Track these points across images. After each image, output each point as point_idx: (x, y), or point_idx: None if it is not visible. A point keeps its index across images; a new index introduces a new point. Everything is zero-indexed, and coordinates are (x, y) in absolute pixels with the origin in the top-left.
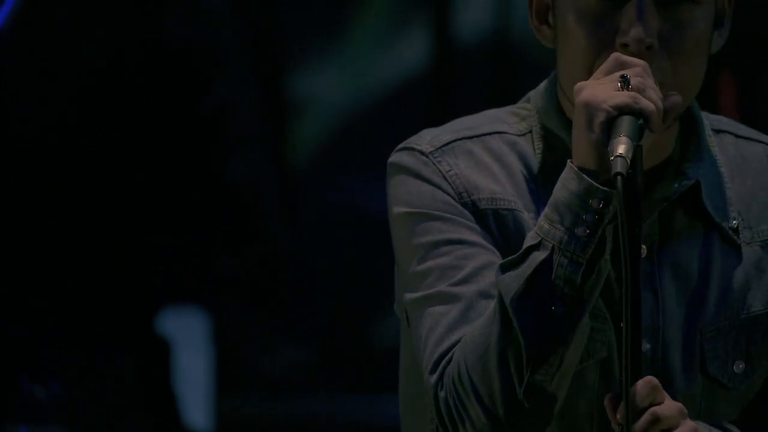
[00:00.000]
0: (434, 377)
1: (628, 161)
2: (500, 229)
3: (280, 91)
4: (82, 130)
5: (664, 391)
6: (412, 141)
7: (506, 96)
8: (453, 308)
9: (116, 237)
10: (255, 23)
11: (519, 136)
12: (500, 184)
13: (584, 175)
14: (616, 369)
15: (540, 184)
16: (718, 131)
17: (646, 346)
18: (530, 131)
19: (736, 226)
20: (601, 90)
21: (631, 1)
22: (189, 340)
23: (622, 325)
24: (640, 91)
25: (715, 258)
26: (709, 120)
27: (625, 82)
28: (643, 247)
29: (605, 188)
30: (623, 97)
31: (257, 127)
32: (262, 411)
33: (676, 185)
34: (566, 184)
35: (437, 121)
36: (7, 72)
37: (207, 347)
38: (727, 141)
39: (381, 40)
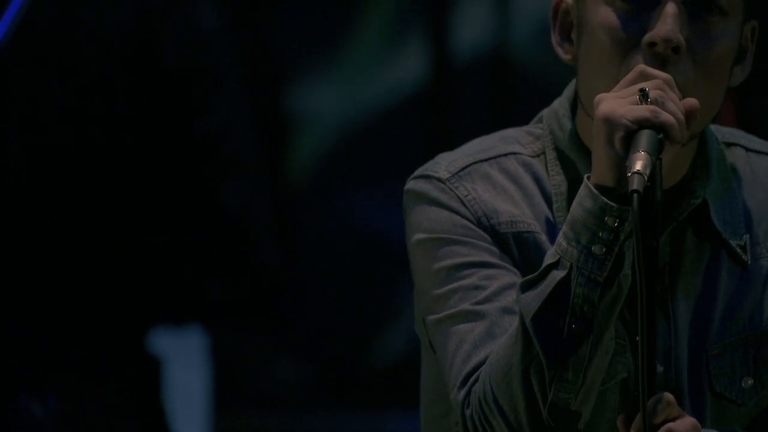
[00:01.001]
0: (461, 395)
1: (646, 177)
2: (521, 251)
3: (278, 110)
4: (75, 150)
5: (678, 407)
6: (429, 168)
7: (505, 112)
8: (478, 325)
9: (111, 254)
10: (251, 42)
11: (533, 157)
12: (518, 207)
13: (599, 194)
14: (633, 387)
15: (554, 205)
16: (729, 144)
17: (659, 368)
18: (543, 152)
19: (744, 242)
20: (620, 104)
21: (660, 4)
22: (185, 356)
23: (637, 338)
24: (659, 104)
25: (722, 276)
26: (720, 133)
27: (644, 95)
28: None
29: (620, 206)
30: (642, 111)
31: (254, 146)
32: (260, 428)
33: (684, 204)
34: (582, 201)
35: (435, 138)
36: (0, 92)
37: (203, 364)
38: (737, 154)
39: (379, 57)
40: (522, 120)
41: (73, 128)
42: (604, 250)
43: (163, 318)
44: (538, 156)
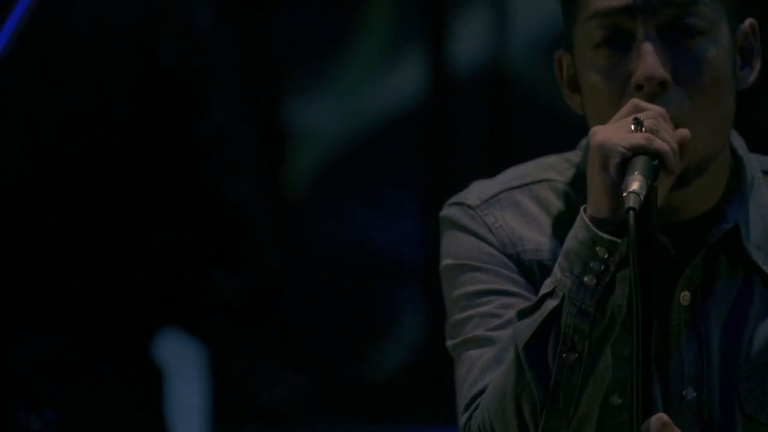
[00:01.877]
0: (464, 419)
1: (641, 197)
2: (545, 279)
3: (276, 118)
4: (73, 154)
5: (676, 428)
6: (462, 195)
7: (503, 126)
8: (487, 351)
9: (110, 264)
10: (250, 49)
11: (567, 184)
12: (545, 235)
13: (591, 225)
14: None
15: None
16: (766, 172)
17: (692, 394)
18: (578, 180)
19: None
20: (614, 132)
21: (636, 43)
22: (184, 368)
23: (633, 359)
24: (653, 132)
25: (755, 301)
26: (761, 162)
27: (638, 123)
28: (686, 293)
29: (612, 237)
30: (637, 138)
31: (252, 153)
32: None
33: (715, 230)
34: (576, 233)
35: (433, 152)
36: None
37: (202, 376)
38: None
39: (377, 70)
40: (518, 133)
41: (72, 129)
42: (595, 280)
43: (162, 327)
44: (572, 183)
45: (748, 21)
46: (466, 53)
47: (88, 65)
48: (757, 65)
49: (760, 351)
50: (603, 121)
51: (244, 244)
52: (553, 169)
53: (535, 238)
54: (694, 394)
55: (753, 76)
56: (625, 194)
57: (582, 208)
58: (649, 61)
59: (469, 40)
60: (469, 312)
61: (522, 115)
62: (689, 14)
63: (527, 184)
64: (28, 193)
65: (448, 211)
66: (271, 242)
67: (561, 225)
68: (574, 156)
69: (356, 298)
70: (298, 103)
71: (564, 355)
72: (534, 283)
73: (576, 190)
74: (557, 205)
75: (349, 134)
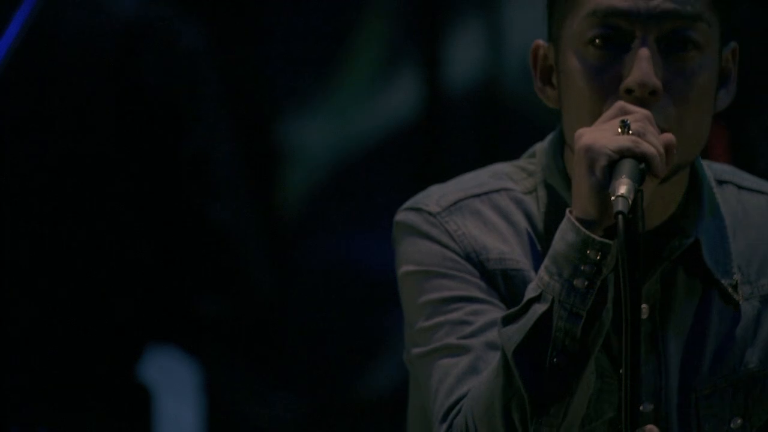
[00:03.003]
0: (443, 429)
1: (630, 201)
2: (509, 288)
3: (269, 138)
4: (57, 175)
5: None
6: (420, 200)
7: (495, 146)
8: (462, 360)
9: (100, 284)
10: (242, 68)
11: (525, 194)
12: (508, 244)
13: (581, 227)
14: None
15: (544, 244)
16: (720, 182)
17: (648, 407)
18: (535, 189)
19: (735, 282)
20: (601, 135)
21: (633, 47)
22: (176, 388)
23: (621, 371)
24: (640, 135)
25: (713, 316)
26: (712, 170)
27: (625, 126)
28: (645, 306)
29: (603, 239)
30: (624, 141)
31: (241, 173)
32: None
33: (676, 243)
34: (564, 235)
35: (426, 171)
36: None
37: (195, 396)
38: (729, 192)
39: (371, 89)
40: (512, 154)
41: (55, 150)
42: (586, 283)
43: (154, 343)
44: (530, 193)
45: (732, 45)
46: (459, 73)
47: (71, 85)
48: (733, 90)
49: (721, 370)
50: (582, 118)
51: (231, 265)
52: (510, 178)
53: (498, 246)
54: (651, 407)
55: (729, 100)
56: (613, 198)
57: (567, 210)
58: (644, 67)
59: (463, 60)
60: (438, 319)
61: (515, 134)
62: (689, 28)
63: (486, 193)
64: (12, 214)
65: (405, 216)
66: (260, 262)
67: (520, 234)
68: (529, 164)
69: (348, 317)
70: (291, 122)
71: (555, 359)
72: (498, 291)
73: (533, 200)
74: (516, 214)
75: (342, 154)
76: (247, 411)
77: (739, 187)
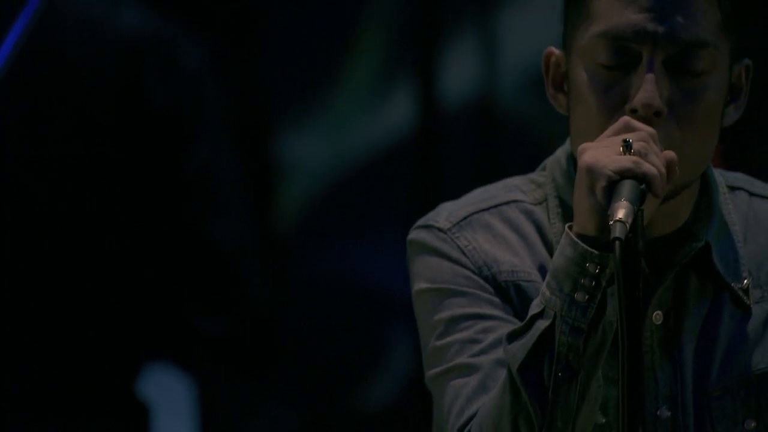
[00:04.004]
0: None
1: (628, 226)
2: (521, 301)
3: (266, 152)
4: (61, 191)
5: None
6: (430, 218)
7: (492, 161)
8: (472, 379)
9: (98, 298)
10: (239, 83)
11: (535, 205)
12: (519, 257)
13: (579, 241)
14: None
15: (555, 253)
16: (733, 188)
17: (666, 413)
18: (545, 200)
19: (746, 286)
20: (603, 153)
21: (640, 68)
22: (173, 403)
23: (619, 385)
24: (642, 155)
25: (724, 320)
26: (725, 177)
27: (627, 146)
28: (659, 313)
29: (601, 252)
30: (625, 161)
31: (240, 189)
32: None
33: (687, 249)
34: (563, 250)
35: (422, 186)
36: None
37: (191, 411)
38: (741, 199)
39: (367, 104)
40: (508, 167)
41: (57, 167)
42: (586, 297)
43: (151, 358)
44: (540, 203)
45: (745, 62)
46: (455, 88)
47: (74, 102)
48: (743, 106)
49: (731, 371)
50: (588, 132)
51: (228, 281)
52: (519, 189)
53: (509, 259)
54: (669, 414)
55: (737, 115)
56: (611, 222)
57: (567, 226)
58: (648, 89)
59: (459, 75)
60: (449, 338)
61: (511, 150)
62: (696, 54)
63: (496, 206)
64: (13, 228)
65: (417, 234)
66: (257, 277)
67: (532, 245)
68: (539, 176)
69: (346, 331)
70: (288, 137)
71: (560, 374)
72: (510, 305)
73: (544, 210)
74: (526, 225)
75: (338, 168)
76: (244, 425)
77: (751, 194)
